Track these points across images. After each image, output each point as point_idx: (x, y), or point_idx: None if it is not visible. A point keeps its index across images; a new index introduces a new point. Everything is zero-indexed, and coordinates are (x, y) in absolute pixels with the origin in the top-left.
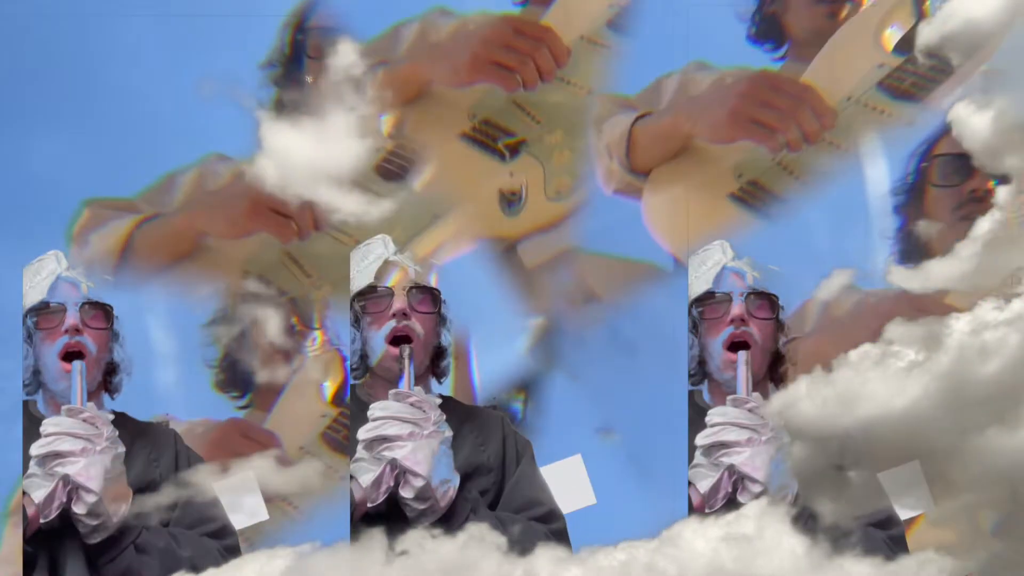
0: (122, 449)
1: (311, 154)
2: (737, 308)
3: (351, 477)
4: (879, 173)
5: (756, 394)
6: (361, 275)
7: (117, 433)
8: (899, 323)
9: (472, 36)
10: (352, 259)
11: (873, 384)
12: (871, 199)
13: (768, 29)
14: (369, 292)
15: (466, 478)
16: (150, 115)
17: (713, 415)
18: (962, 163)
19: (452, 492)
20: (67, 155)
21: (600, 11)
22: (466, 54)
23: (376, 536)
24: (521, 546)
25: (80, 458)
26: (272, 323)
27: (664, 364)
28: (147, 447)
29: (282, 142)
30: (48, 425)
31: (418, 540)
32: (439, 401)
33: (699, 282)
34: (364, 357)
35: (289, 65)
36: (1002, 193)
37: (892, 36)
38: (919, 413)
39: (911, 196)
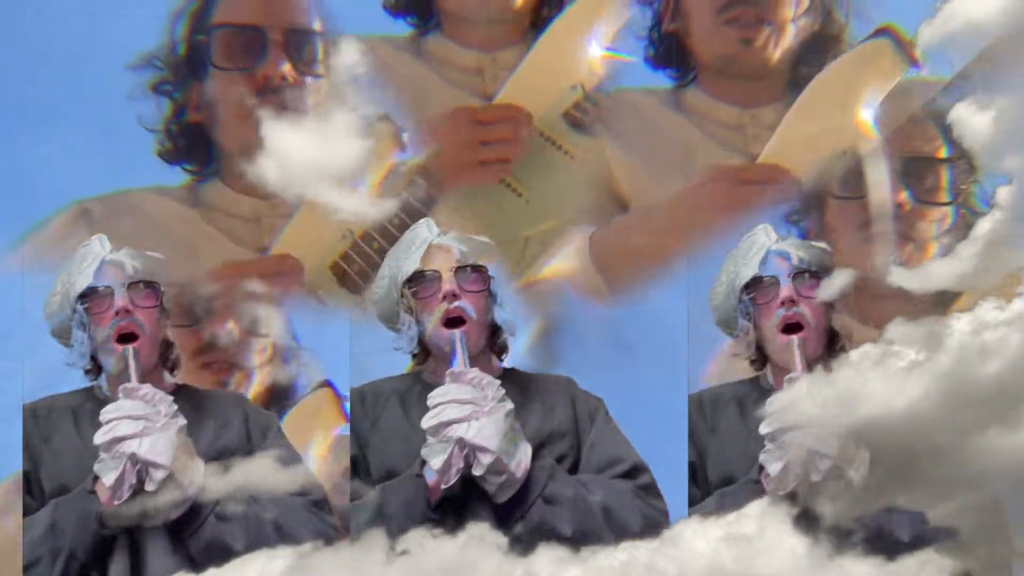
0: (183, 421)
1: (312, 154)
2: (786, 290)
3: (422, 463)
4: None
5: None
6: (408, 262)
7: (176, 407)
8: (900, 323)
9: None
10: (397, 249)
11: (873, 384)
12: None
13: (669, 52)
14: (417, 278)
15: (539, 448)
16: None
17: (771, 404)
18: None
19: (526, 461)
20: (67, 155)
21: (561, 94)
22: (445, 171)
23: (377, 536)
24: (607, 514)
25: (143, 437)
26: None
27: (664, 364)
28: (213, 416)
29: (282, 141)
30: (107, 412)
31: (418, 540)
32: (498, 381)
33: (747, 268)
34: (423, 342)
35: (184, 71)
36: (1002, 194)
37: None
38: (920, 413)
39: (811, 207)
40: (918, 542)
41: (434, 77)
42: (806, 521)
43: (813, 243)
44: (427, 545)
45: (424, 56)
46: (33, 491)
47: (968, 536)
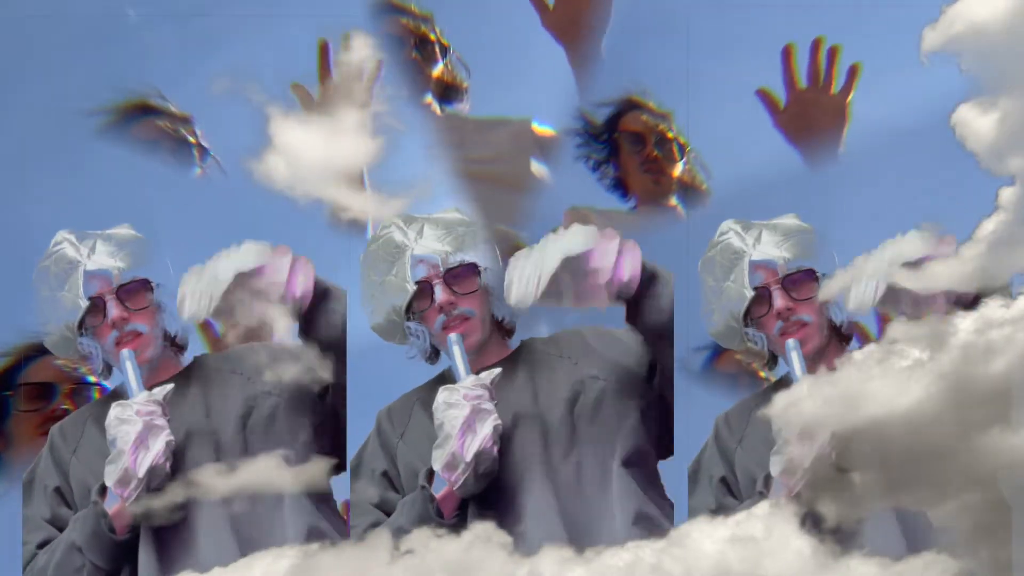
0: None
1: (322, 152)
2: (779, 302)
3: (428, 474)
4: None
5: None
6: (395, 283)
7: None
8: (902, 322)
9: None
10: (375, 264)
11: (876, 383)
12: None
13: (616, 182)
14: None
15: (576, 397)
16: None
17: (773, 404)
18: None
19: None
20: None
21: None
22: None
23: (381, 535)
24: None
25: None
26: None
27: None
28: (237, 371)
29: (292, 139)
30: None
31: (423, 540)
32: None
33: (735, 288)
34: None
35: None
36: (1005, 195)
37: None
38: (923, 412)
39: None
40: (921, 543)
41: None
42: (812, 522)
43: (788, 231)
44: (431, 545)
45: None
46: (69, 501)
47: (971, 536)
